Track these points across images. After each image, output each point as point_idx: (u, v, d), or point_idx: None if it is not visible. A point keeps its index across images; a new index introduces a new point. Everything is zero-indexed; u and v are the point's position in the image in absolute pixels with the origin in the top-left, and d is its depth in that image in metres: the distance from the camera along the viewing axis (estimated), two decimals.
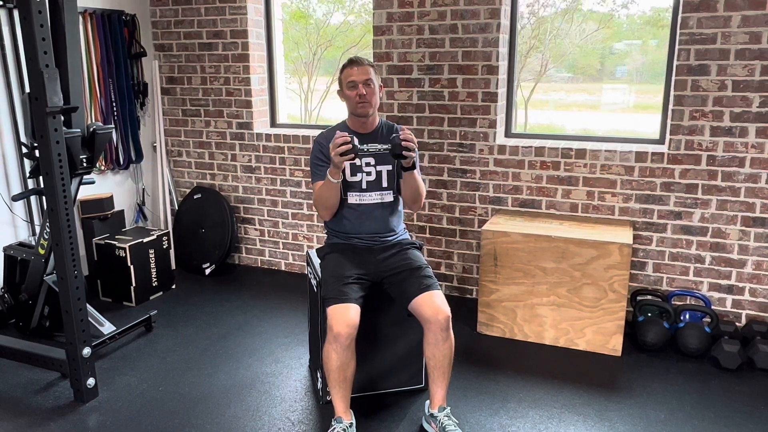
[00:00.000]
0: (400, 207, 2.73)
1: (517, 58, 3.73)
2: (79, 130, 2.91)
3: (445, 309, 2.40)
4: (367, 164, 2.61)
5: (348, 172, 2.59)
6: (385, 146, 2.41)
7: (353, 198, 2.61)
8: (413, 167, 2.51)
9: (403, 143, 2.34)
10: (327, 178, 2.46)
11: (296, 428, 2.54)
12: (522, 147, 3.60)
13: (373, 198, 2.62)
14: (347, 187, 2.60)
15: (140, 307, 3.79)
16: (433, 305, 2.39)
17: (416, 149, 2.40)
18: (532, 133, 3.93)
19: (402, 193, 2.64)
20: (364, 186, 2.61)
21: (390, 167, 2.63)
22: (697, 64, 3.15)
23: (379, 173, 2.62)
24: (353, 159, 2.36)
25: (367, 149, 2.41)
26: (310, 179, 4.17)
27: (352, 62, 2.59)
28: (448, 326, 2.39)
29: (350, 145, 2.32)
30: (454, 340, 2.45)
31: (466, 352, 3.17)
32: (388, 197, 2.64)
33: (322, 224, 4.16)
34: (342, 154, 2.32)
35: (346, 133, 2.36)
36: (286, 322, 3.56)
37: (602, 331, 3.14)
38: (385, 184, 2.63)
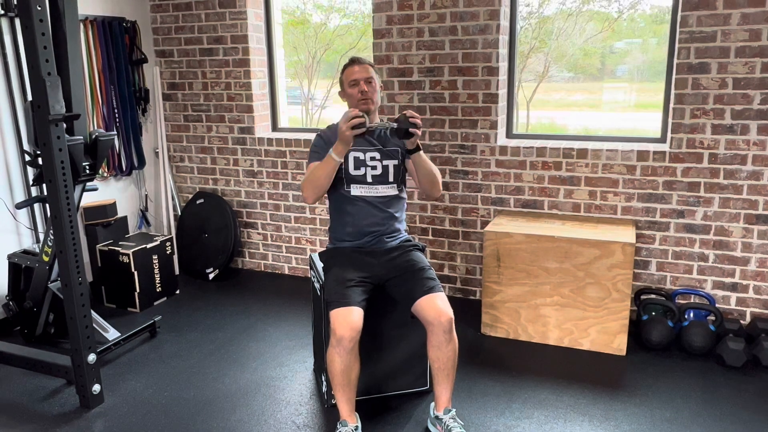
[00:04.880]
0: (404, 204, 2.73)
1: (517, 58, 3.74)
2: (81, 137, 2.92)
3: (448, 311, 2.40)
4: (372, 158, 2.61)
5: (351, 165, 2.60)
6: (392, 124, 2.41)
7: (356, 190, 2.61)
8: (418, 148, 2.51)
9: (410, 119, 2.37)
10: (330, 154, 2.44)
11: None
12: (523, 147, 3.60)
13: (378, 191, 2.62)
14: (350, 180, 2.61)
15: (144, 312, 3.79)
16: (435, 308, 2.39)
17: (420, 128, 2.42)
18: (534, 134, 3.93)
19: (418, 181, 2.62)
20: (369, 180, 2.61)
21: (396, 162, 2.63)
22: (697, 62, 3.15)
23: (385, 167, 2.62)
24: (363, 134, 2.40)
25: (377, 126, 2.42)
26: None
27: (354, 61, 2.61)
28: (451, 328, 2.39)
29: (363, 119, 2.36)
30: (458, 341, 2.45)
31: (470, 353, 3.17)
32: (393, 191, 2.64)
33: (325, 228, 4.19)
34: (353, 128, 2.35)
35: (359, 111, 2.40)
36: (290, 325, 3.56)
37: (606, 330, 3.14)
38: (391, 178, 2.63)
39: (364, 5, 3.80)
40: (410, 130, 2.38)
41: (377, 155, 2.62)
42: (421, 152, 2.54)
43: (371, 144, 2.63)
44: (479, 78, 3.59)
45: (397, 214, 2.68)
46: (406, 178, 2.72)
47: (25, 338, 3.40)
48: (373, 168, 2.61)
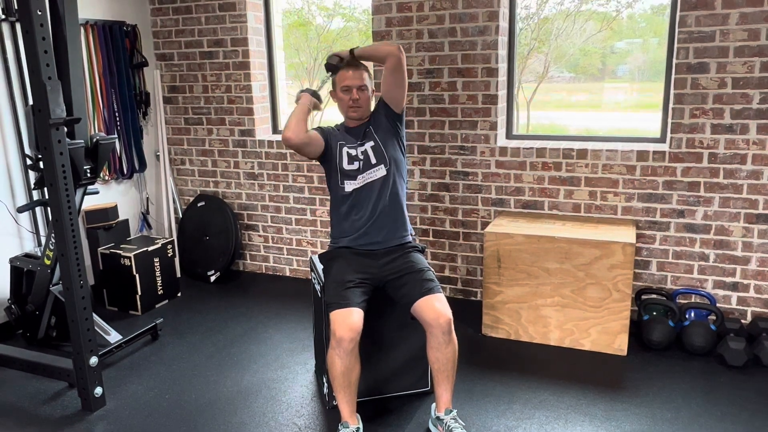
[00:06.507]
0: (401, 198, 2.69)
1: (516, 59, 3.74)
2: (82, 140, 2.93)
3: (447, 312, 2.40)
4: (363, 152, 2.63)
5: (345, 160, 2.61)
6: (327, 74, 2.73)
7: (349, 186, 2.62)
8: (353, 56, 2.62)
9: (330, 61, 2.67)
10: (302, 103, 2.60)
11: None
12: (523, 148, 3.60)
13: (365, 178, 2.61)
14: (344, 175, 2.62)
15: (146, 315, 3.80)
16: (434, 309, 2.40)
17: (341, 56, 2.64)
18: (534, 134, 3.93)
19: (384, 68, 2.61)
20: (357, 167, 2.62)
21: (372, 142, 2.63)
22: (696, 62, 3.15)
23: (365, 153, 2.62)
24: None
25: (323, 82, 2.76)
26: (312, 185, 4.20)
27: (348, 66, 2.62)
28: (450, 329, 2.40)
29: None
30: (459, 342, 2.46)
31: (471, 354, 3.17)
32: (380, 171, 2.62)
33: (326, 230, 4.20)
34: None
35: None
36: (291, 327, 3.57)
37: (607, 330, 3.14)
38: (373, 160, 2.62)
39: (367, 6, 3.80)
40: (328, 65, 2.67)
41: (367, 148, 2.64)
42: (356, 50, 2.62)
43: (360, 138, 2.64)
44: (479, 79, 3.60)
45: (395, 211, 2.65)
46: (398, 153, 2.67)
47: (27, 341, 3.41)
48: (361, 160, 2.63)
